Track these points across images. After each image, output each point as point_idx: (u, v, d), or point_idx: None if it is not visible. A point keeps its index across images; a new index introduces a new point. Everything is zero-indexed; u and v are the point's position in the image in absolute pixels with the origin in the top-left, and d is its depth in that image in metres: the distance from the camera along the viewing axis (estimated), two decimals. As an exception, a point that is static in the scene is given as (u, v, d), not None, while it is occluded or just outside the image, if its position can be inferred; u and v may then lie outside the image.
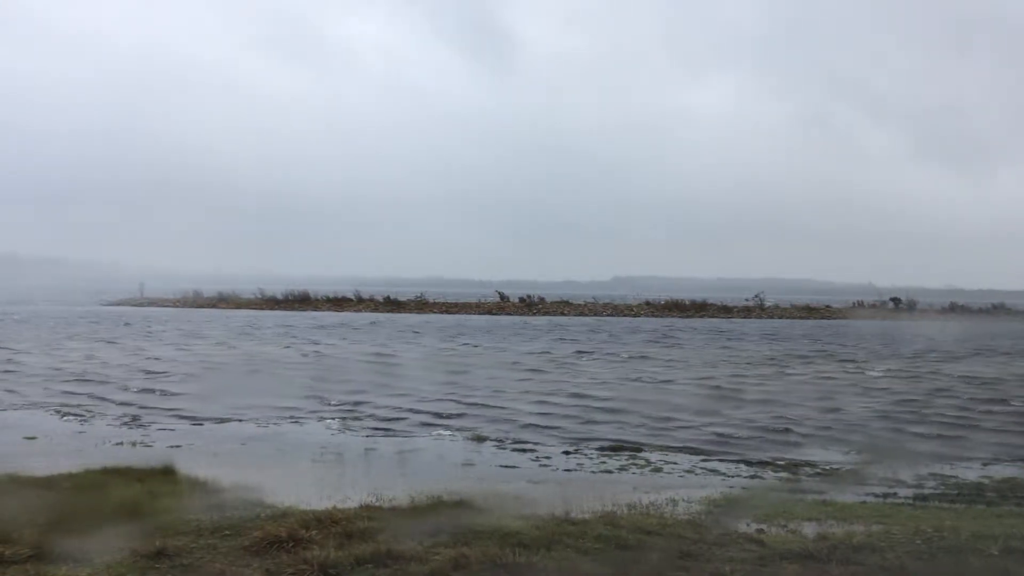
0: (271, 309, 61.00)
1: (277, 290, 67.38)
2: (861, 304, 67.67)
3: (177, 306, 64.23)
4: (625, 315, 60.44)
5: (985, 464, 11.35)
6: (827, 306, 67.93)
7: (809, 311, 64.88)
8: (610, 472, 10.80)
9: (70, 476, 8.89)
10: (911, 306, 65.80)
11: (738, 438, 13.10)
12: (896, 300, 67.04)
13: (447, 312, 60.92)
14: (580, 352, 29.28)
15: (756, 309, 64.33)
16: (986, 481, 10.25)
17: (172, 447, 11.89)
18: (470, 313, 60.15)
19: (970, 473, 10.73)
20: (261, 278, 76.84)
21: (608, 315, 60.35)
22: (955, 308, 67.38)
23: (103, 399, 16.48)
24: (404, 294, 67.71)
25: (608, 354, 28.59)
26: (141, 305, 65.58)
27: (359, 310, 61.23)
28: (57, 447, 11.76)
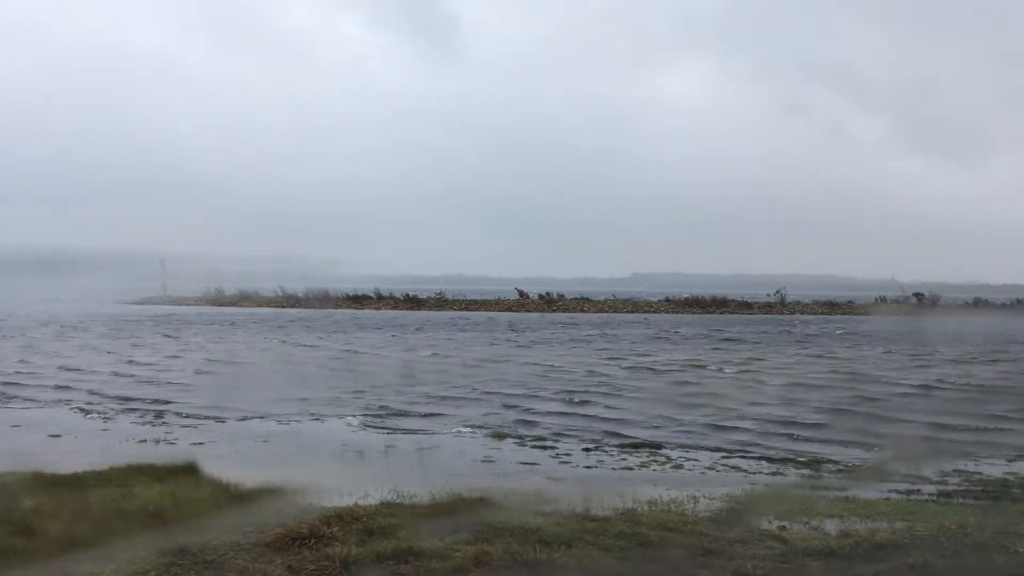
0: (292, 307, 61.26)
1: (298, 288, 67.68)
2: (884, 300, 67.13)
3: (200, 304, 64.63)
4: (644, 311, 60.29)
5: (1010, 461, 11.25)
6: (849, 302, 67.38)
7: (831, 307, 64.44)
8: (630, 469, 10.77)
9: (94, 474, 8.96)
10: (934, 301, 65.22)
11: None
12: (919, 295, 66.44)
13: (466, 309, 60.96)
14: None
15: (777, 305, 63.98)
16: (1011, 478, 10.15)
17: (195, 444, 11.97)
18: (490, 310, 60.17)
19: (994, 470, 10.63)
20: (281, 275, 77.07)
21: (627, 311, 60.24)
22: (979, 303, 66.73)
23: (128, 397, 16.62)
24: (424, 292, 67.82)
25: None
26: (164, 304, 66.04)
27: (379, 308, 61.40)
28: (81, 445, 11.86)
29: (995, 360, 25.99)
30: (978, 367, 23.54)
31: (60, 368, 21.31)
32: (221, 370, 22.22)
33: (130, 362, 22.97)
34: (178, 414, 14.61)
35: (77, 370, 20.90)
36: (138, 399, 16.28)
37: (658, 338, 35.22)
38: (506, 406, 15.69)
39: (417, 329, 39.99)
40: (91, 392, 17.12)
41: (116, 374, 20.35)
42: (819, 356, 27.06)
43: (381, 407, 15.45)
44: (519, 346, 30.53)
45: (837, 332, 40.20)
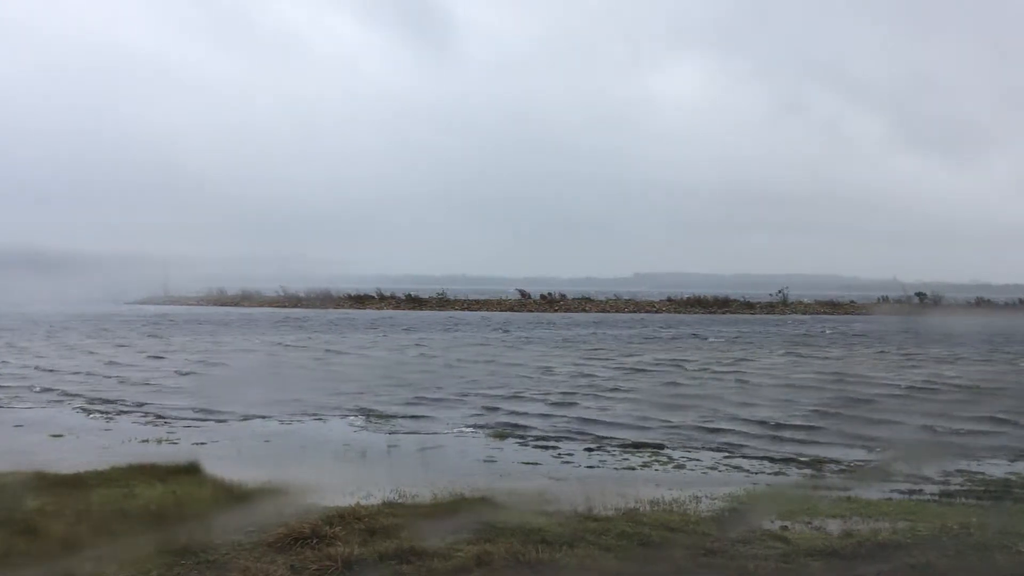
0: (293, 307, 61.29)
1: (300, 288, 67.69)
2: (886, 300, 67.06)
3: (202, 304, 64.67)
4: (647, 311, 60.32)
5: (1012, 461, 11.24)
6: (851, 302, 67.36)
7: (833, 307, 64.42)
8: (632, 469, 10.77)
9: (96, 474, 8.97)
10: (936, 301, 65.16)
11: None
12: (921, 295, 66.40)
13: (468, 309, 61.00)
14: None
15: (779, 305, 63.97)
16: (1013, 478, 10.14)
17: (197, 444, 11.98)
18: (491, 310, 60.23)
19: (997, 470, 10.62)
20: (284, 276, 77.08)
21: (630, 311, 60.24)
22: (981, 303, 66.67)
23: (130, 396, 16.63)
24: (427, 292, 67.81)
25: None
26: (166, 304, 66.05)
27: (381, 308, 61.43)
28: (83, 444, 11.88)
29: (988, 360, 25.81)
30: (968, 367, 23.38)
31: (37, 369, 21.22)
32: (200, 371, 21.90)
33: (110, 363, 22.78)
34: (159, 416, 14.59)
35: (53, 371, 20.79)
36: (113, 401, 16.13)
37: (651, 338, 35.15)
38: (488, 408, 15.58)
39: (407, 329, 40.11)
40: (65, 394, 16.95)
41: (90, 374, 20.25)
42: (809, 356, 26.90)
43: (359, 410, 15.25)
44: (508, 346, 30.46)
45: (827, 332, 40.11)
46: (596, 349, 29.34)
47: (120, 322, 42.23)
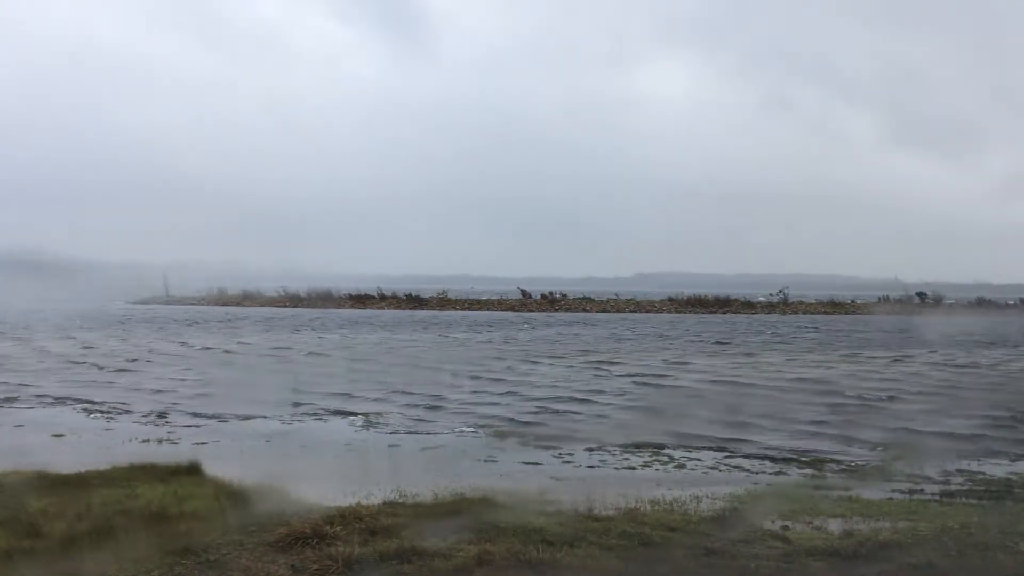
0: (294, 307, 61.28)
1: (300, 287, 67.65)
2: (887, 299, 67.03)
3: (203, 304, 64.66)
4: (648, 311, 60.29)
5: (1013, 460, 11.23)
6: (852, 301, 67.33)
7: (834, 307, 64.39)
8: (633, 469, 10.78)
9: (98, 474, 8.97)
10: (937, 301, 65.13)
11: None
12: (922, 295, 66.37)
13: (469, 309, 61.00)
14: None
15: (780, 305, 63.96)
16: (1014, 478, 10.14)
17: (197, 444, 11.98)
18: (492, 310, 60.22)
19: (998, 470, 10.62)
20: (285, 276, 77.03)
21: (631, 311, 60.22)
22: (982, 303, 66.60)
23: (131, 396, 16.63)
24: (429, 291, 67.79)
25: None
26: (165, 304, 66.03)
27: (381, 307, 61.42)
28: (84, 444, 11.89)
29: (948, 362, 24.76)
30: (933, 368, 23.06)
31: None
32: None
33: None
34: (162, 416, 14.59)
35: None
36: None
37: (624, 339, 34.83)
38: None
39: (382, 327, 40.33)
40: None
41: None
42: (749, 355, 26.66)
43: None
44: (460, 344, 30.14)
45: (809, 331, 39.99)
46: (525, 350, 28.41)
47: (93, 320, 42.67)
